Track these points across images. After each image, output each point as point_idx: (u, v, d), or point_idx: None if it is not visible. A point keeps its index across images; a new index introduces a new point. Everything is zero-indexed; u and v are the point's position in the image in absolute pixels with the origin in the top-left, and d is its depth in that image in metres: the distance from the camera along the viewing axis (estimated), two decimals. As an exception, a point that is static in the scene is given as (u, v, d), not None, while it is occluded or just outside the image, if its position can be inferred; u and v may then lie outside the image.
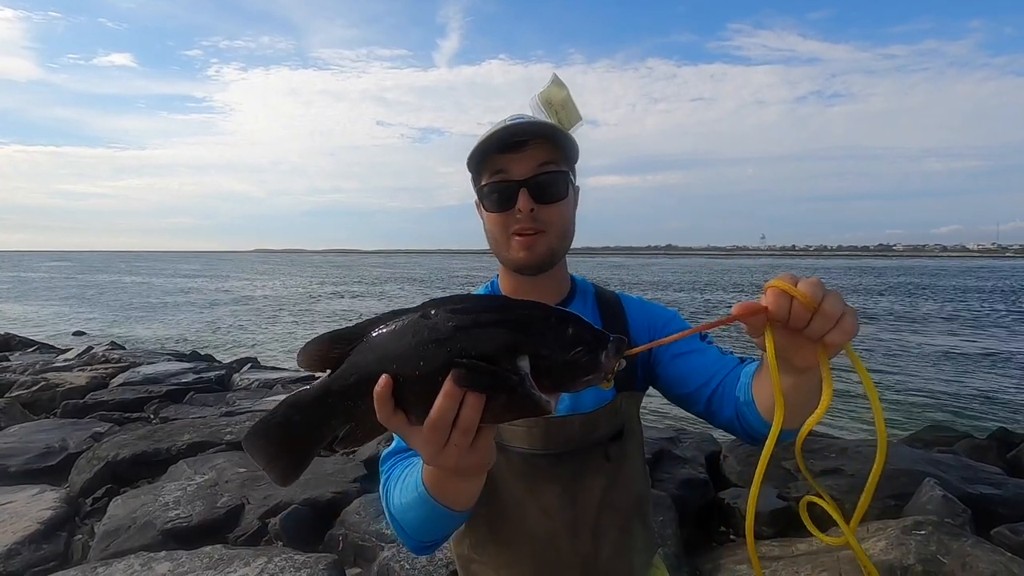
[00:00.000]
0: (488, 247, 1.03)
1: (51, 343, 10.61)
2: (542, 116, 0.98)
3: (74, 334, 14.48)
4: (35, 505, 2.92)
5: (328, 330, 0.60)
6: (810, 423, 0.62)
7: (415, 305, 0.58)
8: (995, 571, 2.05)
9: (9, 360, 7.81)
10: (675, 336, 0.64)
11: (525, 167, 0.93)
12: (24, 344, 9.80)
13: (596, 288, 1.10)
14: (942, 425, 5.76)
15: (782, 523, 2.83)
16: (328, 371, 0.58)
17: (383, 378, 0.54)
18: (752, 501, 0.62)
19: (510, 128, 0.92)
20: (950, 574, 2.10)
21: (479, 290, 1.11)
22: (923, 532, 2.33)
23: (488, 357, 0.54)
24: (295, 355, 0.60)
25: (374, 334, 0.57)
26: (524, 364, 0.54)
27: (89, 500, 3.21)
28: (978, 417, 7.21)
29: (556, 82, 1.00)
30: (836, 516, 0.62)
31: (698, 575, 2.48)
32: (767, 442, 0.62)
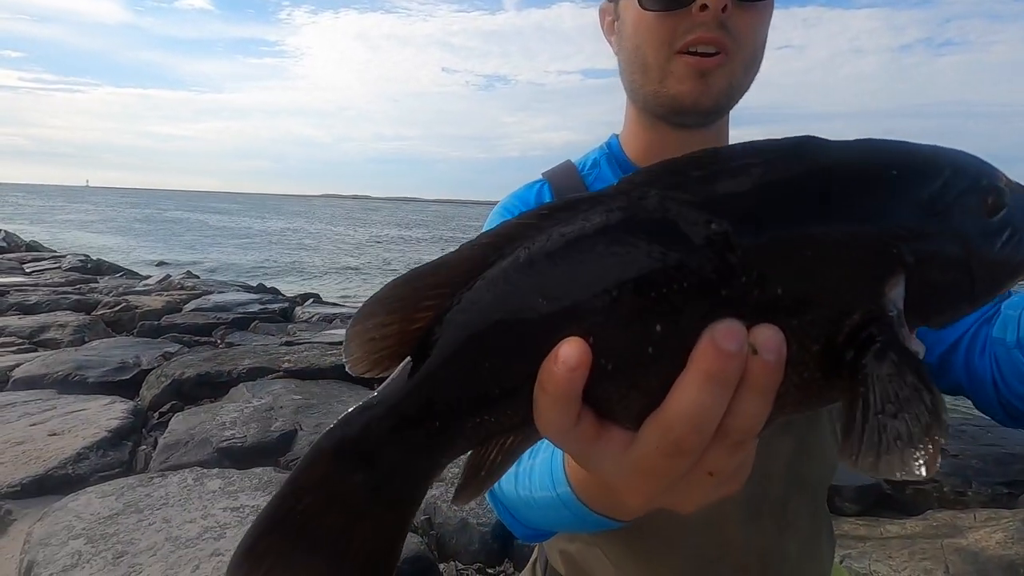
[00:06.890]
0: (623, 87, 0.65)
1: (136, 270, 11.33)
2: None
3: (157, 264, 15.47)
4: (105, 414, 3.03)
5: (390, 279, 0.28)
6: None
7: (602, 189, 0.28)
8: None
9: (98, 282, 8.35)
10: None
11: None
12: (113, 270, 10.50)
13: None
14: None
15: (869, 500, 2.54)
16: (403, 363, 0.28)
17: (570, 346, 0.24)
18: None
19: None
20: (1087, 578, 1.78)
21: (585, 159, 0.73)
22: (1052, 527, 1.99)
23: (816, 294, 0.25)
24: (347, 325, 0.29)
25: (510, 263, 0.26)
26: (897, 292, 0.26)
27: (155, 414, 3.32)
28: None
29: None
30: None
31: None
32: None
